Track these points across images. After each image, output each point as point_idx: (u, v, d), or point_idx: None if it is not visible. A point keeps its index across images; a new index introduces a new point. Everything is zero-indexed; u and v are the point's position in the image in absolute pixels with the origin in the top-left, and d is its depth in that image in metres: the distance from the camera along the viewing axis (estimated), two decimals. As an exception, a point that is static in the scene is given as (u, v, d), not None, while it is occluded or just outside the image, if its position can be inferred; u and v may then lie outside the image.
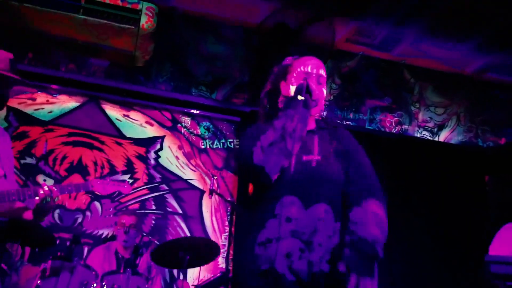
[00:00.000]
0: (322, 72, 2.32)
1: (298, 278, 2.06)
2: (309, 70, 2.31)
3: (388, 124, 5.59)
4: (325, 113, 5.36)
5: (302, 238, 2.12)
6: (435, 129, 5.72)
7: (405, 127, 5.63)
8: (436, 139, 5.70)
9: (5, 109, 4.84)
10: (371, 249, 2.03)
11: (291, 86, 2.26)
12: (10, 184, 2.62)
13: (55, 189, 2.48)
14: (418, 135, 5.65)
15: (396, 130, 5.60)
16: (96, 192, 2.74)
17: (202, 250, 3.96)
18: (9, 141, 2.84)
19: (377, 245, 2.03)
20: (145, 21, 4.52)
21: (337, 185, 2.21)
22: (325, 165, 2.23)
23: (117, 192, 4.74)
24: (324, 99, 2.35)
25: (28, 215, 2.58)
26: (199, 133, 5.36)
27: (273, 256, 2.09)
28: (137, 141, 5.19)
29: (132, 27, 4.50)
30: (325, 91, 2.34)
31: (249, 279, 2.17)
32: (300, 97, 2.19)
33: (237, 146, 5.32)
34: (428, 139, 5.68)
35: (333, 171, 2.23)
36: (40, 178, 4.89)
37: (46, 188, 2.46)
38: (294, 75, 2.30)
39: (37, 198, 2.47)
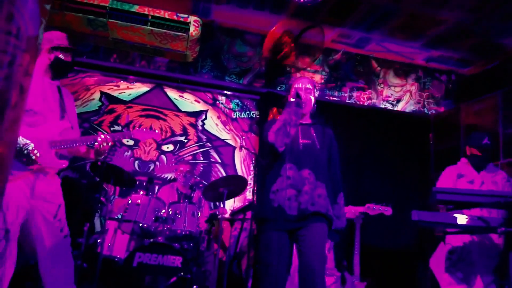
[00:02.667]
0: (309, 85, 2.63)
1: (292, 211, 2.37)
2: (300, 86, 2.61)
3: (361, 99, 5.57)
4: (317, 93, 5.52)
5: (296, 188, 2.39)
6: (395, 102, 5.67)
7: (373, 101, 5.61)
8: (395, 109, 5.65)
9: (99, 92, 5.08)
10: (342, 231, 2.47)
11: (291, 98, 2.56)
12: (77, 133, 2.53)
13: (108, 137, 2.41)
14: (383, 106, 5.62)
15: (367, 103, 5.58)
16: (136, 138, 2.62)
17: (235, 185, 3.91)
18: (73, 101, 2.65)
19: (344, 228, 2.49)
20: (193, 30, 4.43)
21: (319, 159, 2.49)
22: (314, 146, 2.51)
23: (178, 145, 5.01)
24: (312, 102, 2.62)
25: (91, 155, 2.49)
26: (231, 107, 5.36)
27: (280, 199, 2.40)
28: (189, 114, 5.21)
29: (184, 34, 4.42)
30: (312, 97, 2.61)
31: (267, 212, 2.45)
32: (292, 99, 2.51)
33: (258, 116, 5.38)
34: (389, 109, 5.64)
35: (318, 150, 2.50)
36: (124, 140, 4.97)
37: (102, 136, 2.40)
38: (292, 89, 2.60)
39: (96, 143, 2.39)
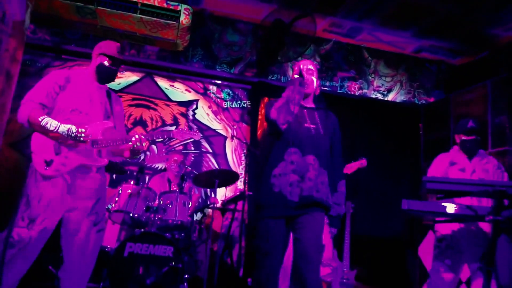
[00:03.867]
0: (311, 66, 2.60)
1: (293, 198, 2.35)
2: (302, 66, 2.56)
3: (352, 89, 5.58)
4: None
5: (299, 174, 2.35)
6: (385, 92, 5.69)
7: (364, 91, 5.61)
8: (386, 99, 5.67)
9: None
10: (341, 215, 2.46)
11: (294, 74, 2.51)
12: (120, 134, 2.58)
13: (143, 137, 2.44)
14: (374, 96, 5.63)
15: (358, 93, 5.58)
16: (176, 138, 2.63)
17: (226, 177, 3.98)
18: (122, 105, 2.78)
19: (342, 213, 2.49)
20: (183, 18, 4.36)
21: (322, 145, 2.45)
22: (318, 132, 2.46)
23: (167, 138, 5.01)
24: (314, 83, 2.58)
25: (126, 153, 2.55)
26: (222, 97, 5.33)
27: (282, 184, 2.35)
28: (180, 103, 5.17)
29: (175, 22, 4.35)
30: (314, 79, 2.57)
31: (266, 197, 2.41)
32: (296, 76, 2.47)
33: (249, 106, 5.36)
34: (380, 98, 5.65)
35: (322, 136, 2.46)
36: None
37: (136, 136, 2.43)
38: (295, 68, 2.55)
39: (130, 143, 2.44)
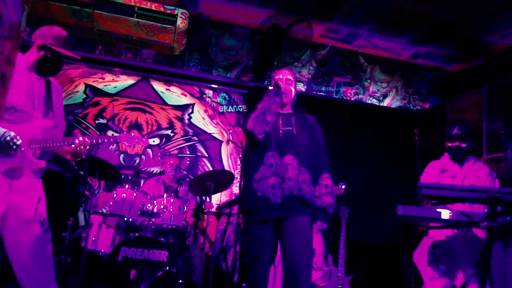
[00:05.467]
0: (290, 77, 2.66)
1: (276, 199, 2.34)
2: (281, 76, 2.64)
3: (348, 94, 5.59)
4: (304, 88, 5.55)
5: (279, 175, 2.37)
6: (381, 98, 5.70)
7: (360, 96, 5.63)
8: (381, 104, 5.69)
9: (83, 84, 5.01)
10: (326, 210, 2.38)
11: (269, 86, 2.55)
12: (60, 132, 2.44)
13: (87, 141, 2.32)
14: (369, 102, 5.65)
15: (354, 98, 5.59)
16: (123, 143, 2.51)
17: (221, 180, 3.89)
18: (62, 96, 2.54)
19: (328, 207, 2.39)
20: (180, 22, 4.37)
21: (299, 144, 2.47)
22: (295, 133, 2.50)
23: (164, 139, 5.01)
24: (292, 93, 2.65)
25: (68, 156, 2.41)
26: (218, 101, 5.32)
27: (264, 188, 2.37)
28: (176, 107, 5.17)
29: (171, 26, 4.35)
30: (292, 88, 2.65)
31: (250, 202, 2.42)
32: (270, 87, 2.53)
33: (245, 110, 5.35)
34: (376, 104, 5.67)
35: (297, 135, 2.49)
36: (109, 133, 4.90)
37: (80, 138, 2.31)
38: (272, 80, 2.59)
39: (73, 145, 2.29)
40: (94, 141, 2.38)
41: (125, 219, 3.63)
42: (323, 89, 5.51)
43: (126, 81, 5.11)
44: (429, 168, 3.29)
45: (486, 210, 2.13)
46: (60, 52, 2.37)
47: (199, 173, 5.00)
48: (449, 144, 3.17)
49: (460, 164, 3.16)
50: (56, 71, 2.45)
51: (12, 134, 2.14)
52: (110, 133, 4.94)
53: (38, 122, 2.31)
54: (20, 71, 2.30)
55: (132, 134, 2.54)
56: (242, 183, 4.44)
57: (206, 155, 5.19)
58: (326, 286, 3.84)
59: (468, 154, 3.21)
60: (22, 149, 2.21)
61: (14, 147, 2.15)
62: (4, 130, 2.13)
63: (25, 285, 2.23)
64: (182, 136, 5.15)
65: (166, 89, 5.21)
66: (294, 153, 2.43)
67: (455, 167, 3.16)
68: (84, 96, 4.98)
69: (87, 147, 2.33)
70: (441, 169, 3.19)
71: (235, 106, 5.39)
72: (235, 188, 5.00)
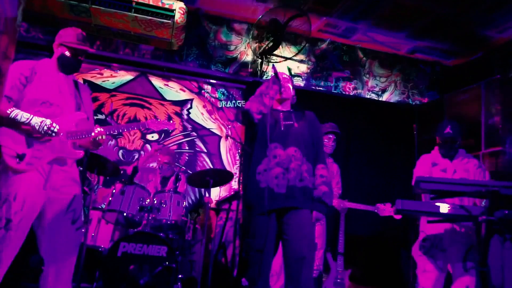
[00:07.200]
0: (286, 76, 2.77)
1: (280, 190, 2.38)
2: (279, 71, 2.73)
3: (347, 89, 5.60)
4: (303, 83, 5.56)
5: (283, 166, 2.40)
6: (380, 92, 5.71)
7: (359, 91, 5.63)
8: (380, 99, 5.70)
9: (81, 80, 4.95)
10: (322, 199, 2.39)
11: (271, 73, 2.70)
12: (91, 124, 2.54)
13: (102, 130, 2.41)
14: (368, 96, 5.65)
15: (353, 93, 5.60)
16: (151, 128, 2.54)
17: (221, 176, 3.97)
18: (90, 94, 2.73)
19: (324, 196, 2.40)
20: (178, 17, 4.32)
21: (301, 137, 2.51)
22: (296, 127, 2.54)
23: (163, 135, 5.01)
24: (290, 90, 2.72)
25: (90, 145, 2.51)
26: (217, 96, 5.29)
27: (268, 179, 2.39)
28: (174, 102, 5.13)
29: (169, 21, 4.30)
30: (290, 86, 2.72)
31: (254, 195, 2.45)
32: (272, 73, 2.61)
33: (244, 106, 5.43)
34: (375, 99, 5.68)
35: (299, 129, 2.54)
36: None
37: (98, 129, 2.40)
38: (273, 69, 2.69)
39: (92, 134, 2.39)
40: (125, 128, 2.54)
41: (124, 214, 3.62)
42: (322, 84, 5.51)
43: (124, 76, 5.08)
44: (421, 161, 3.29)
45: (483, 204, 2.13)
46: (75, 48, 2.50)
47: (198, 168, 5.02)
48: (440, 142, 3.17)
49: (450, 159, 3.16)
50: (77, 66, 2.58)
51: (49, 122, 2.29)
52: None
53: (71, 115, 2.45)
54: (50, 72, 2.48)
55: (159, 120, 2.61)
56: (241, 178, 4.51)
57: (205, 150, 5.17)
58: (325, 281, 3.86)
59: (458, 148, 3.21)
60: (61, 133, 2.35)
61: (53, 134, 2.30)
62: (41, 119, 2.28)
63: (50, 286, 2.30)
64: (181, 132, 5.14)
65: (165, 84, 5.18)
66: (296, 145, 2.48)
67: (445, 161, 3.16)
68: (82, 91, 4.94)
69: (103, 136, 2.44)
70: (432, 163, 3.19)
71: (234, 101, 5.37)
72: (234, 183, 4.98)
